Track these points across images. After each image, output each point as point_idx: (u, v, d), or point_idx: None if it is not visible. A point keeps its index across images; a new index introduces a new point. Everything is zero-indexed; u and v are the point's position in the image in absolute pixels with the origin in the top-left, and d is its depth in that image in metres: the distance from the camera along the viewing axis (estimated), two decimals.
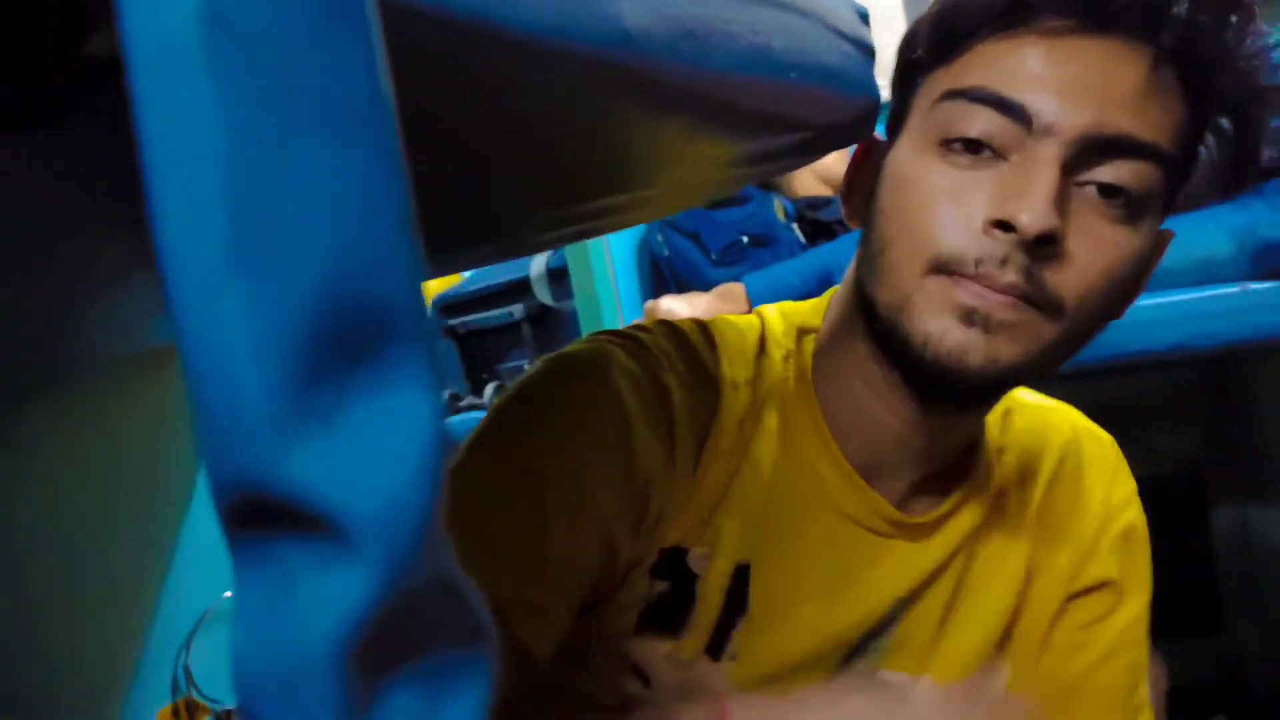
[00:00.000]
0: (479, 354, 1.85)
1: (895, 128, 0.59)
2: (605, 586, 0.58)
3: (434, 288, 2.09)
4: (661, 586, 0.59)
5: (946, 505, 0.65)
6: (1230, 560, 1.75)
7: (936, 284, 0.52)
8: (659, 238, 1.70)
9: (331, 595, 0.13)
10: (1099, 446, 0.73)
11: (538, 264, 1.76)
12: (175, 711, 0.86)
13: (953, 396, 0.57)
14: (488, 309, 1.84)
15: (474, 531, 0.53)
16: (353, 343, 0.13)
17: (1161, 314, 1.18)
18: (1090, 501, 0.70)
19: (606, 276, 1.61)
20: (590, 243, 1.58)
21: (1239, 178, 0.57)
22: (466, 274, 2.00)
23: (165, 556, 0.86)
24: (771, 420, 0.62)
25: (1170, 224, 1.25)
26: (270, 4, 0.13)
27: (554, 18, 0.25)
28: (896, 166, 0.57)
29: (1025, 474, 0.69)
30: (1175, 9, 0.50)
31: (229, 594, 0.93)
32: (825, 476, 0.62)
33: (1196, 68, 0.52)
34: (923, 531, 0.64)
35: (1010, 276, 0.51)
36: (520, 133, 0.36)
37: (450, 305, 1.92)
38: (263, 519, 0.14)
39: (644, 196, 0.65)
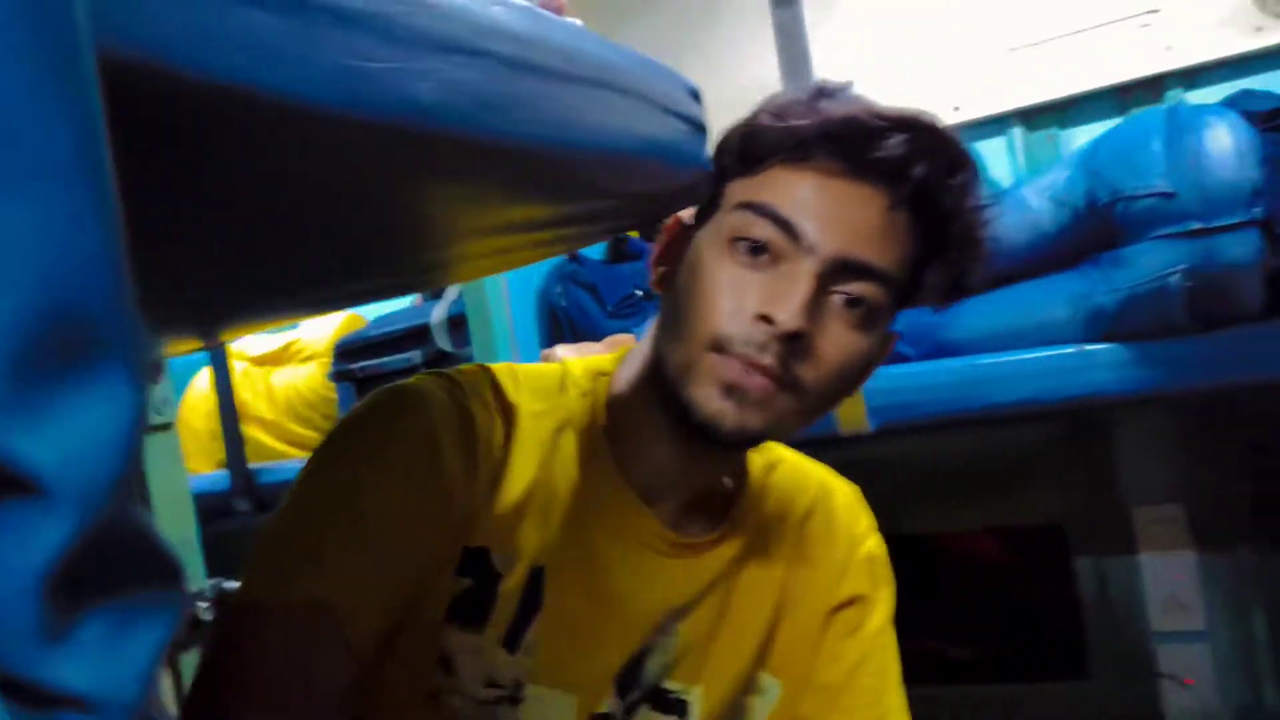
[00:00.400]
0: None
1: (703, 216, 0.72)
2: (416, 585, 0.66)
3: (335, 333, 2.10)
4: (466, 583, 0.68)
5: (714, 535, 0.77)
6: (1093, 609, 1.85)
7: (711, 361, 0.65)
8: (557, 289, 1.75)
9: (33, 540, 0.18)
10: (843, 491, 0.88)
11: (438, 311, 1.80)
12: None
13: (711, 445, 0.69)
14: (388, 354, 1.87)
15: (303, 538, 0.64)
16: (64, 349, 0.18)
17: (1008, 369, 1.28)
18: (838, 533, 0.84)
19: (505, 325, 1.65)
20: (489, 292, 1.62)
21: (953, 295, 0.73)
22: (369, 319, 2.02)
23: None
24: (567, 446, 0.73)
25: (1015, 290, 1.36)
26: None
27: (336, 90, 0.30)
28: (697, 253, 0.70)
29: (783, 513, 0.83)
30: (914, 169, 0.65)
31: None
32: (610, 497, 0.73)
33: (926, 215, 0.67)
34: (692, 551, 0.76)
35: (767, 360, 0.64)
36: (312, 194, 0.41)
37: (351, 350, 1.94)
38: None
39: (455, 254, 0.72)
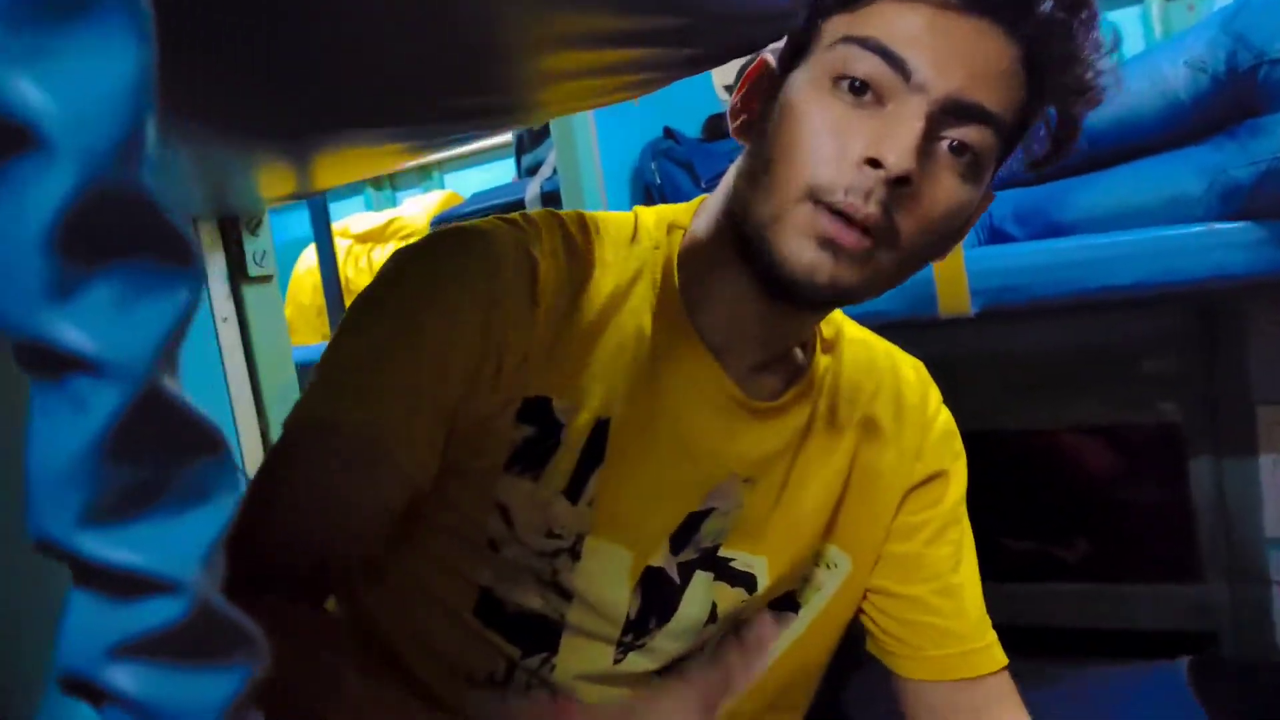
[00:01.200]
0: None
1: (794, 58, 0.67)
2: (473, 425, 0.65)
3: (434, 210, 2.12)
4: (527, 430, 0.67)
5: (783, 400, 0.75)
6: (1207, 513, 1.77)
7: (805, 210, 0.62)
8: (652, 165, 1.72)
9: (35, 193, 0.17)
10: (910, 365, 0.85)
11: (532, 188, 1.79)
12: None
13: (796, 302, 0.67)
14: None
15: (356, 360, 0.65)
16: None
17: (1127, 249, 1.20)
18: (909, 410, 0.82)
19: (598, 201, 1.64)
20: (583, 168, 1.60)
21: (1049, 160, 0.69)
22: (466, 195, 2.03)
23: None
24: (638, 298, 0.71)
25: (1140, 165, 1.27)
26: None
27: None
28: (791, 94, 0.65)
29: (852, 386, 0.80)
30: (1038, 5, 0.61)
31: None
32: (681, 353, 0.71)
33: (1043, 56, 0.63)
34: (761, 416, 0.74)
35: (870, 208, 0.60)
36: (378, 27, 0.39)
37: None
38: None
39: (533, 81, 0.70)
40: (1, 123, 0.17)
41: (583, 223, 0.72)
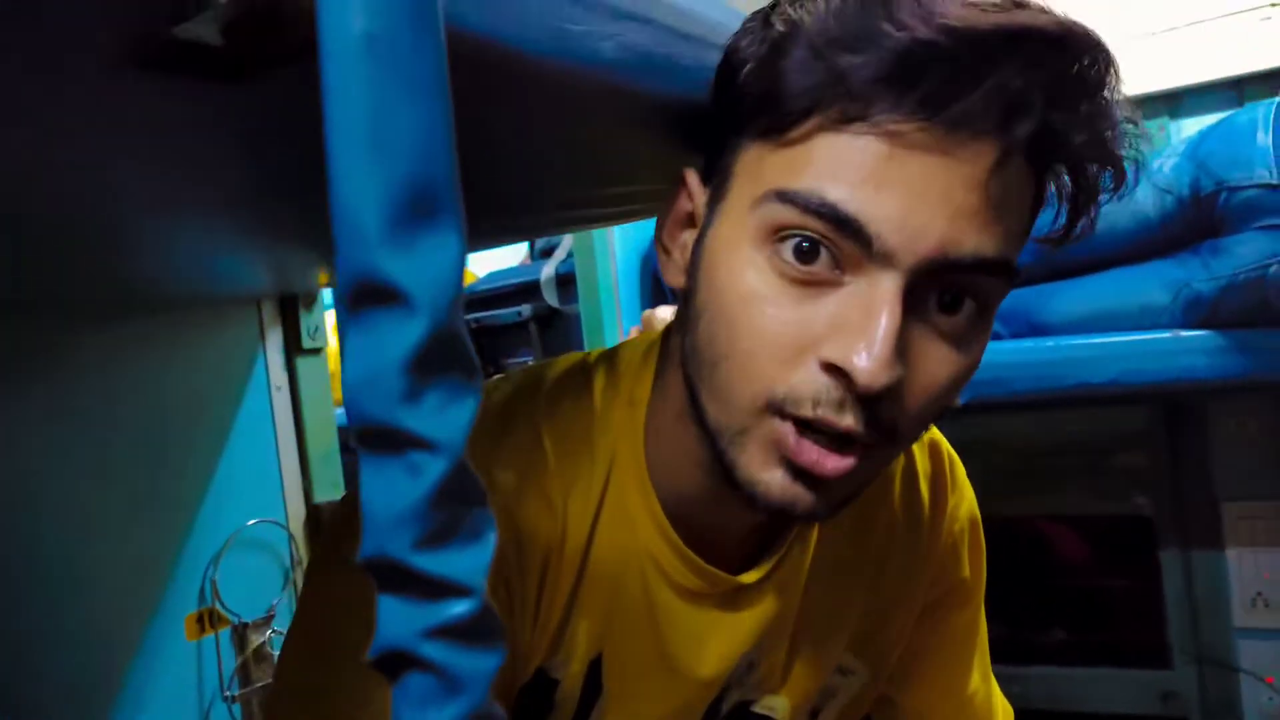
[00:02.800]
0: (487, 349, 1.99)
1: (715, 189, 0.51)
2: None
3: None
4: (526, 698, 0.61)
5: (780, 553, 0.63)
6: (1177, 602, 1.86)
7: (769, 427, 0.48)
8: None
9: (399, 335, 0.26)
10: (924, 459, 0.71)
11: (548, 269, 1.90)
12: (200, 618, 0.99)
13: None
14: (499, 307, 1.98)
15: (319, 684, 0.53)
16: (423, 205, 0.26)
17: (1102, 350, 1.31)
18: (925, 514, 0.71)
19: (610, 285, 1.74)
20: (597, 253, 1.71)
21: (1066, 235, 0.52)
22: (480, 275, 2.14)
23: (203, 482, 0.99)
24: (611, 509, 0.59)
25: (1113, 275, 1.39)
26: (393, 30, 0.26)
27: (551, 45, 0.39)
28: (716, 252, 0.50)
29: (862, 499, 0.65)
30: (1033, 106, 0.44)
31: (252, 522, 1.06)
32: (664, 560, 0.59)
33: (1049, 156, 0.48)
34: (756, 591, 0.63)
35: (847, 421, 0.46)
36: (526, 133, 0.50)
37: (465, 302, 2.05)
38: (364, 298, 0.27)
39: (638, 190, 0.76)
40: (381, 286, 0.27)
41: (530, 467, 0.57)
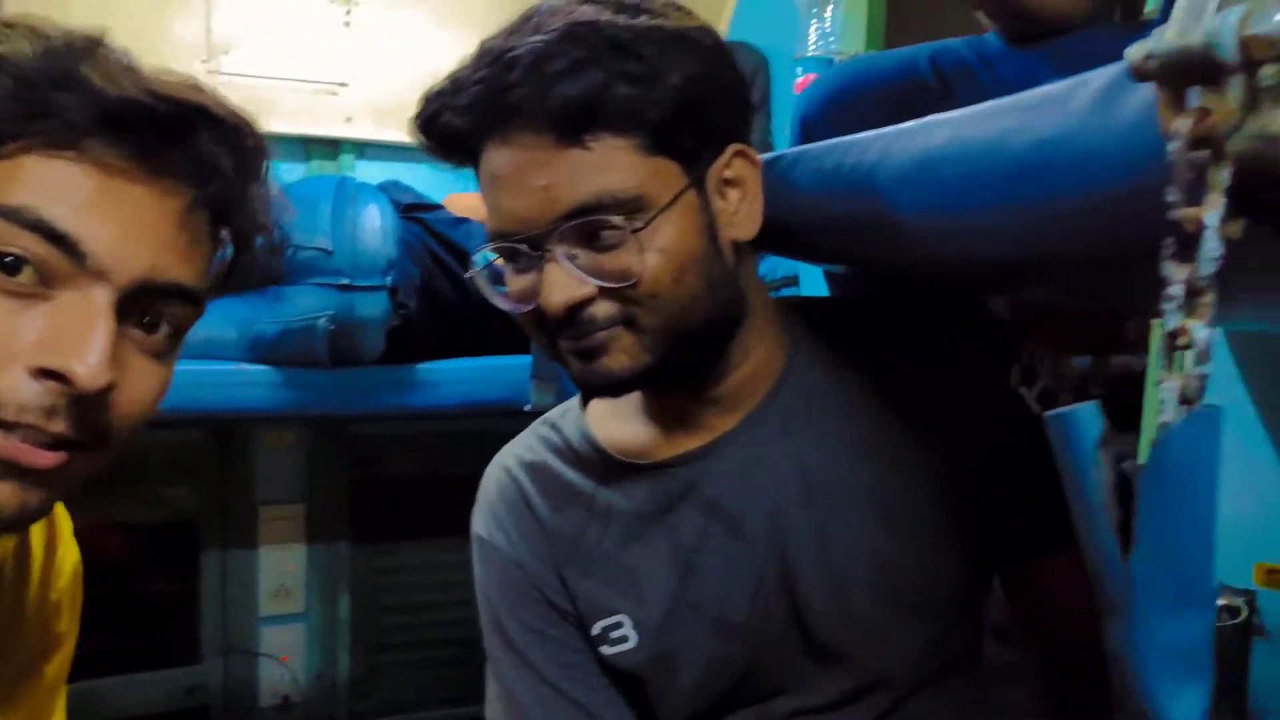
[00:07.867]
0: None
1: None
2: None
3: None
4: None
5: None
6: (212, 598, 2.01)
7: None
8: None
9: None
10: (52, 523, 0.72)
11: None
12: None
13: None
14: None
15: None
16: None
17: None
18: (61, 575, 0.73)
19: None
20: None
21: (238, 285, 0.61)
22: None
23: None
24: None
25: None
26: None
27: None
28: None
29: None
30: (221, 164, 0.54)
31: None
32: None
33: (224, 209, 0.56)
34: None
35: (58, 428, 0.49)
36: None
37: None
38: None
39: None
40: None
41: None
